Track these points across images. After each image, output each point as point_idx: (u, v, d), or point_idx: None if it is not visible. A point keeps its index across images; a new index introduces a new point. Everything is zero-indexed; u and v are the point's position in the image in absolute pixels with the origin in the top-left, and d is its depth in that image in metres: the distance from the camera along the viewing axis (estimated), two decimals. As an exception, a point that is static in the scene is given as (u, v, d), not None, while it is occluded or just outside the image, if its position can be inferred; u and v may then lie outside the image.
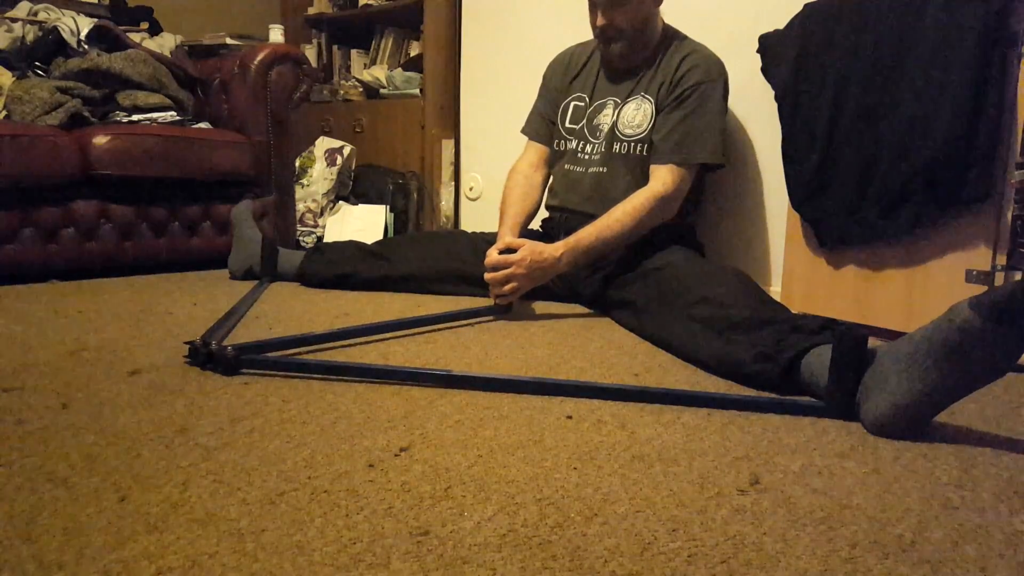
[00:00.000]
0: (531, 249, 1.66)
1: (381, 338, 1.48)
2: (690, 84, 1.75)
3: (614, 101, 1.85)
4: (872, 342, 1.05)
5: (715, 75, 1.77)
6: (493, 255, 1.68)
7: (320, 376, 1.19)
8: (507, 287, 1.66)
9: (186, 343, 1.27)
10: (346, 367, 1.20)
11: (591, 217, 1.74)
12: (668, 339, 1.44)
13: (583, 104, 1.91)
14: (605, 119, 1.85)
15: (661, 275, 1.59)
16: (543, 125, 1.99)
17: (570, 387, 1.15)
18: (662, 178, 1.72)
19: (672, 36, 1.85)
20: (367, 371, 1.20)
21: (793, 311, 1.85)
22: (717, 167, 1.82)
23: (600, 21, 1.77)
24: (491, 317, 1.72)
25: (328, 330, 1.45)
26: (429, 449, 0.90)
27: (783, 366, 1.14)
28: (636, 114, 1.79)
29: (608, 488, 0.80)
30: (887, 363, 1.00)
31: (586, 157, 1.87)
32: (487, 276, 1.68)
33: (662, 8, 1.83)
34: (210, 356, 1.21)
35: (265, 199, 2.51)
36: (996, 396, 1.23)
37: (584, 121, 1.89)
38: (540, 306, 1.88)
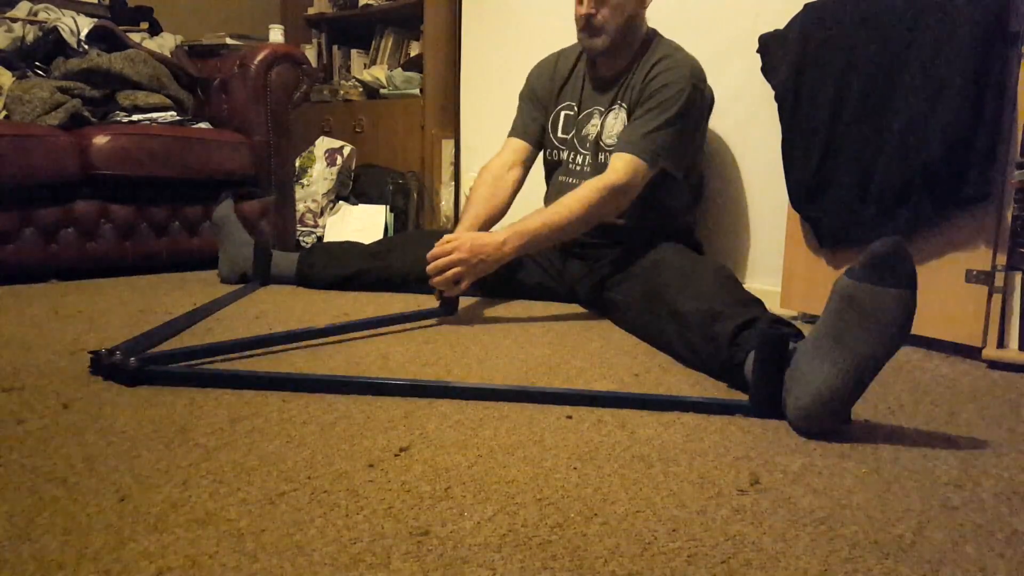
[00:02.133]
0: (471, 235, 1.63)
1: (383, 339, 1.48)
2: (656, 89, 1.70)
3: (599, 110, 1.82)
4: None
5: (684, 82, 1.71)
6: (433, 250, 1.62)
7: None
8: (450, 272, 1.59)
9: (90, 353, 1.20)
10: (266, 377, 1.13)
11: None
12: (650, 337, 1.50)
13: (573, 113, 1.87)
14: (592, 129, 1.82)
15: (647, 275, 1.59)
16: (527, 124, 1.92)
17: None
18: (616, 168, 1.66)
19: (651, 40, 1.80)
20: (285, 381, 1.12)
21: (793, 311, 1.87)
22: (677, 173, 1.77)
23: (584, 9, 1.71)
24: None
25: (248, 336, 1.36)
26: (429, 449, 0.90)
27: (726, 362, 1.18)
28: (615, 123, 1.77)
29: (608, 488, 0.80)
30: (799, 357, 1.01)
31: (577, 168, 1.84)
32: (428, 268, 1.61)
33: (661, 8, 1.81)
34: (114, 367, 1.12)
35: (265, 199, 2.51)
36: (996, 396, 1.23)
37: (574, 131, 1.86)
38: (540, 306, 1.88)
